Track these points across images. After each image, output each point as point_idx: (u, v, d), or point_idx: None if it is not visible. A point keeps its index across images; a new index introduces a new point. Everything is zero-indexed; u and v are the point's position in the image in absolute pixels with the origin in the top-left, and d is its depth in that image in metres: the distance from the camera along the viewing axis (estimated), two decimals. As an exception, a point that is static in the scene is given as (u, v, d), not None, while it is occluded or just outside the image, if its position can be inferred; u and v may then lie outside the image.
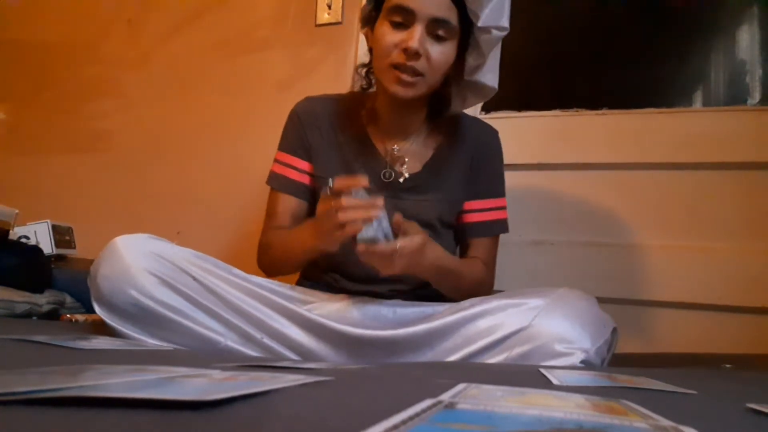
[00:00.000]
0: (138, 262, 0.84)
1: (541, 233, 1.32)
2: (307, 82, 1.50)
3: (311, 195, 1.07)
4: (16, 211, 1.26)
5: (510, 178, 1.32)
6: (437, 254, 0.90)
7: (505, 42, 0.99)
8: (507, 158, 1.30)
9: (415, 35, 0.89)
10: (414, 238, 0.83)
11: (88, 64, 1.78)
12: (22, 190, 1.76)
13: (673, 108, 1.29)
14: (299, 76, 1.53)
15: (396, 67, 0.92)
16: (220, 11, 1.64)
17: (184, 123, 1.66)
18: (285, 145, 1.08)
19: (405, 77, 0.92)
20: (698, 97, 1.34)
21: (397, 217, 0.83)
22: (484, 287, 1.03)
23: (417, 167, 1.04)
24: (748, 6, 1.32)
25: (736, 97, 1.30)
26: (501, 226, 1.08)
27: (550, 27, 1.45)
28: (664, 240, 1.25)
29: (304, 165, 1.06)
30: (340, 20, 1.49)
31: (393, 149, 1.04)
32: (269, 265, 1.03)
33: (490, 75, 1.01)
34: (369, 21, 0.99)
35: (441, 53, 0.92)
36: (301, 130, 1.06)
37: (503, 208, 1.09)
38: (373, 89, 1.07)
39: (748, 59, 1.30)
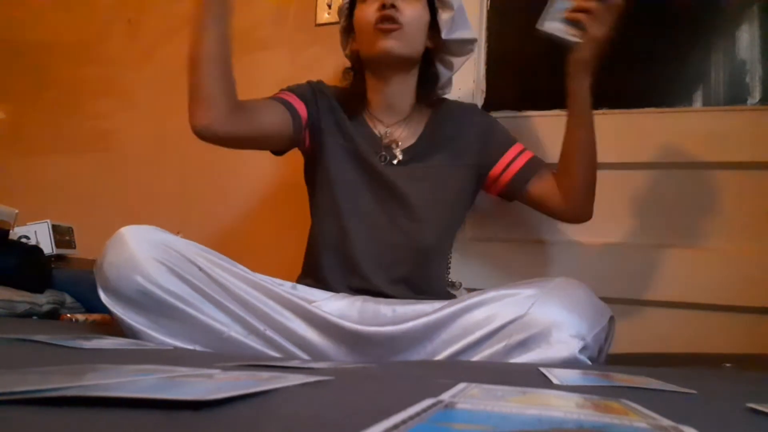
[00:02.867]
0: (145, 249, 0.85)
1: (542, 233, 1.31)
2: (307, 82, 1.50)
3: (299, 128, 1.07)
4: (16, 211, 1.26)
5: (510, 178, 1.32)
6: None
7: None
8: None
9: None
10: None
11: (88, 64, 1.77)
12: (22, 190, 1.76)
13: (673, 108, 1.29)
14: (299, 76, 1.52)
15: (377, 23, 1.02)
16: (220, 11, 1.64)
17: (184, 123, 1.65)
18: (290, 88, 1.12)
19: (385, 26, 1.02)
20: (698, 97, 1.34)
21: None
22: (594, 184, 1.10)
23: (411, 140, 1.11)
24: (748, 6, 1.32)
25: (736, 96, 1.29)
26: (539, 159, 1.16)
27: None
28: (664, 240, 1.24)
29: (302, 107, 1.09)
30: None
31: (387, 131, 1.10)
32: (191, 97, 0.96)
33: (464, 30, 1.11)
34: (348, 30, 1.12)
35: (413, 8, 1.04)
36: (311, 93, 1.12)
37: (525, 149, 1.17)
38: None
39: (748, 59, 1.30)
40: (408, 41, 1.04)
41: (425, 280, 1.05)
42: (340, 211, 1.05)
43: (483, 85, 1.40)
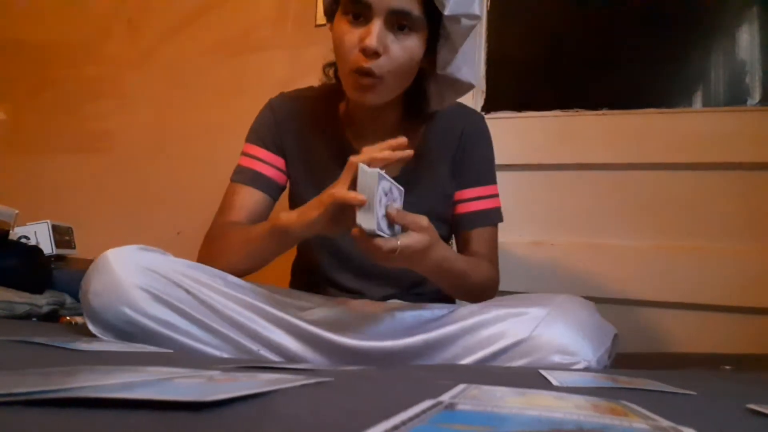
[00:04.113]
0: (129, 277, 0.80)
1: (541, 233, 1.32)
2: (307, 82, 1.49)
3: (280, 194, 1.02)
4: (16, 211, 1.26)
5: (510, 178, 1.33)
6: (443, 255, 0.83)
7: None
8: (507, 158, 1.31)
9: (373, 32, 0.82)
10: (419, 238, 0.75)
11: (88, 64, 1.78)
12: (22, 190, 1.76)
13: (673, 108, 1.29)
14: (299, 76, 1.53)
15: (355, 71, 0.85)
16: (220, 11, 1.64)
17: (184, 123, 1.66)
18: (255, 138, 1.01)
19: (363, 81, 0.85)
20: (698, 97, 1.34)
21: (392, 211, 0.73)
22: (491, 289, 0.97)
23: (396, 169, 0.94)
24: (748, 6, 1.32)
25: (736, 97, 1.30)
26: (496, 214, 1.02)
27: (550, 27, 1.45)
28: (664, 240, 1.25)
29: (278, 161, 1.00)
30: (340, 20, 1.49)
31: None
32: (210, 257, 0.93)
33: (465, 69, 0.92)
34: (331, 15, 0.92)
35: (404, 48, 0.84)
36: (275, 127, 1.01)
37: (496, 195, 1.03)
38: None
39: (748, 59, 1.30)
40: (388, 91, 0.89)
41: (421, 296, 1.02)
42: (319, 253, 1.02)
43: (483, 86, 1.40)
